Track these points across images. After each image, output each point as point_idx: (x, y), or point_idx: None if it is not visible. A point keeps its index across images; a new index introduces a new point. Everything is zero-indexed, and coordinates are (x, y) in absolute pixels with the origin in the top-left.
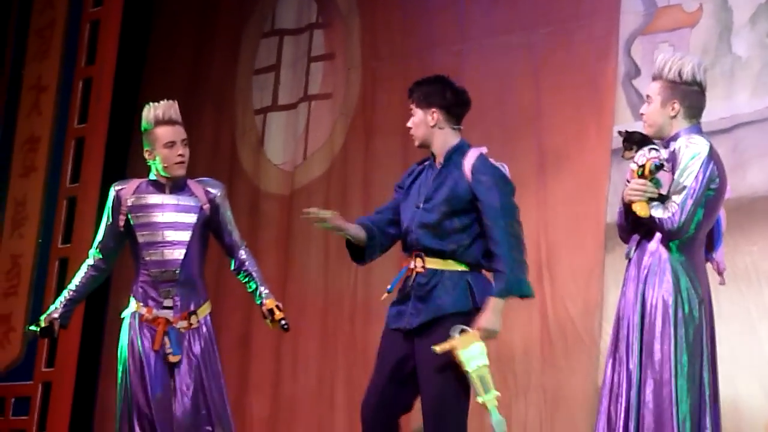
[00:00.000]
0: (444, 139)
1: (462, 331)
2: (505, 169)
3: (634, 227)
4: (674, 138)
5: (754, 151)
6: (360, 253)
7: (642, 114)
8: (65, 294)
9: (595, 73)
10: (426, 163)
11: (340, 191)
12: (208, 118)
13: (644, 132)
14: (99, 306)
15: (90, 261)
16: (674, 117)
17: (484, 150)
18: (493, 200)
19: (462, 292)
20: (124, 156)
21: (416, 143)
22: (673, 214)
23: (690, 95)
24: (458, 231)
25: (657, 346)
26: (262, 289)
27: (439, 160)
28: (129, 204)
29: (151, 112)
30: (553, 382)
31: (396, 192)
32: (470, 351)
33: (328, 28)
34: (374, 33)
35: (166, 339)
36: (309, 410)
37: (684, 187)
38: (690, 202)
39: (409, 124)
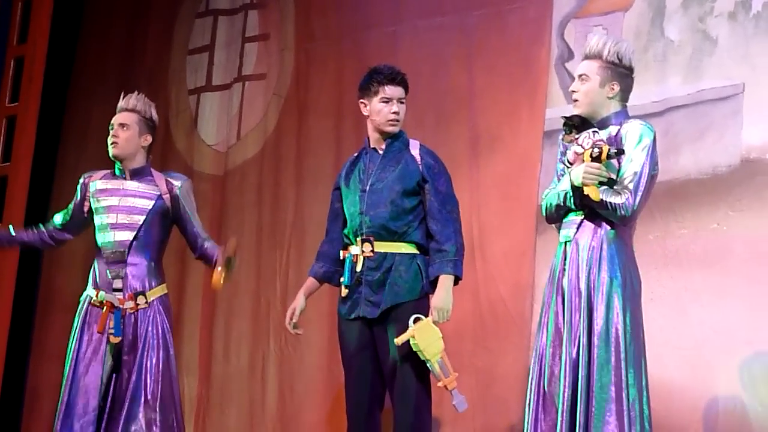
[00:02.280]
0: None
1: (416, 319)
2: None
3: (577, 210)
4: (609, 121)
5: (686, 134)
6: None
7: (574, 91)
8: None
9: (529, 55)
10: (355, 154)
11: (273, 171)
12: None
13: (572, 108)
14: (30, 284)
15: (48, 226)
16: (611, 98)
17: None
18: (441, 185)
19: (415, 277)
20: (56, 135)
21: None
22: (627, 199)
23: (625, 78)
24: (408, 211)
25: (611, 330)
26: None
27: (381, 146)
28: (92, 189)
29: None
30: (484, 363)
31: (333, 195)
32: (427, 339)
33: (262, 8)
34: (308, 14)
35: (110, 320)
36: (241, 390)
37: (635, 173)
38: (642, 187)
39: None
